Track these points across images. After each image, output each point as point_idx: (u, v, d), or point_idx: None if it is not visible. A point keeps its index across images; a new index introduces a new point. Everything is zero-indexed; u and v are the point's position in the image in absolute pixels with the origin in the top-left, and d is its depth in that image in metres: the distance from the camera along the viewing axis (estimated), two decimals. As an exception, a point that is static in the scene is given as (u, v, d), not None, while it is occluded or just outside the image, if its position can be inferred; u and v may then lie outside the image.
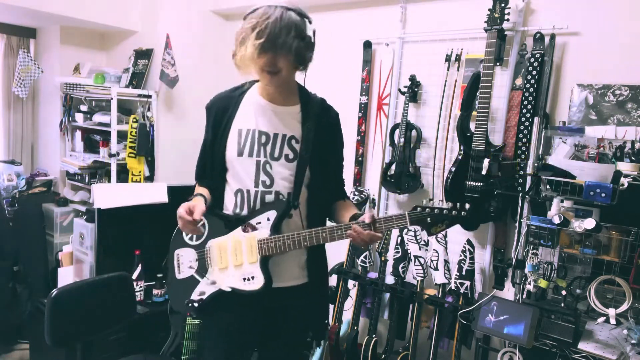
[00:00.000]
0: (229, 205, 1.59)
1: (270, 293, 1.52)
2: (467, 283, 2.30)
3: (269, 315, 1.60)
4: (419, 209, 1.41)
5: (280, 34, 1.36)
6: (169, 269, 1.68)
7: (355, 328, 2.60)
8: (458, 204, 1.39)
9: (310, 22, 1.46)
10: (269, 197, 1.53)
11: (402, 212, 1.43)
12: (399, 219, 1.42)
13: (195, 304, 1.54)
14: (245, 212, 1.56)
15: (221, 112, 1.59)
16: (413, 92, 2.61)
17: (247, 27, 1.37)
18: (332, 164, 1.67)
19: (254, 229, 1.52)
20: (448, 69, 2.55)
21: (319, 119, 1.59)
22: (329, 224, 1.51)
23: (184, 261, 1.62)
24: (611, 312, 1.84)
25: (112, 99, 3.28)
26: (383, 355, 2.52)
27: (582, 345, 1.88)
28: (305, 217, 1.58)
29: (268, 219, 1.51)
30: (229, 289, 1.52)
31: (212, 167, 1.61)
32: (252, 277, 1.50)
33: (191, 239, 1.62)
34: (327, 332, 2.61)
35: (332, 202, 1.68)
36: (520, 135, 2.28)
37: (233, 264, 1.54)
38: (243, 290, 1.51)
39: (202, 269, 1.59)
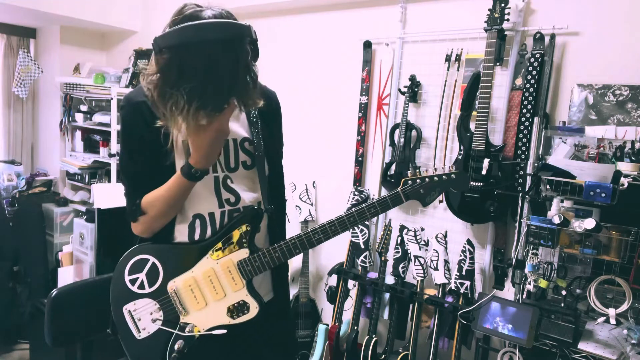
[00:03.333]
0: (181, 236, 1.31)
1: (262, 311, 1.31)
2: (467, 283, 2.30)
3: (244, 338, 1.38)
4: (409, 181, 1.31)
5: (237, 81, 1.11)
6: (119, 334, 1.35)
7: (355, 328, 2.60)
8: (445, 168, 1.32)
9: (252, 33, 1.15)
10: (237, 215, 1.31)
11: (395, 191, 1.30)
12: (393, 198, 1.29)
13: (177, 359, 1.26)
14: (208, 237, 1.30)
15: (148, 123, 1.20)
16: (413, 92, 2.61)
17: (184, 85, 1.05)
18: (277, 152, 1.46)
19: (226, 251, 1.28)
20: (448, 69, 2.55)
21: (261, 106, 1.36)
22: (321, 221, 1.30)
23: (142, 316, 1.30)
24: (611, 312, 1.84)
25: (112, 99, 3.29)
26: (383, 355, 2.52)
27: (582, 345, 1.88)
28: (267, 222, 1.38)
29: (241, 236, 1.28)
30: (223, 331, 1.25)
31: (148, 190, 1.28)
32: (243, 306, 1.27)
33: (141, 286, 1.29)
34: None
35: None
36: (520, 135, 2.28)
37: (213, 300, 1.28)
38: (235, 324, 1.28)
39: (172, 317, 1.29)
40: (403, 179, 1.32)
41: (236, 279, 1.27)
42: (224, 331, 1.25)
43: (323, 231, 1.28)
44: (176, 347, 1.26)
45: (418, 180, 1.31)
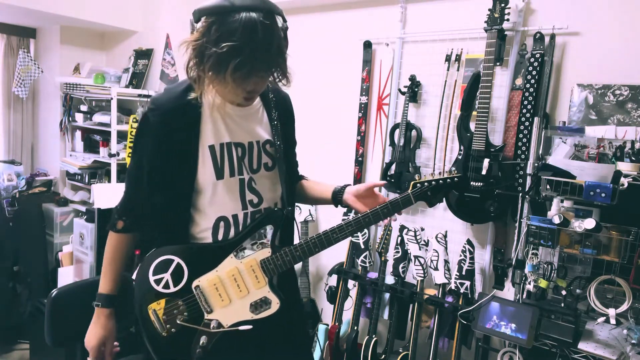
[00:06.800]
0: (205, 237, 1.34)
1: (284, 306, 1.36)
2: (467, 283, 2.30)
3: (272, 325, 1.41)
4: (418, 185, 1.39)
5: (271, 53, 1.13)
6: (144, 331, 1.37)
7: (355, 328, 2.60)
8: (448, 172, 1.42)
9: (285, 21, 1.21)
10: (259, 217, 1.36)
11: (405, 193, 1.38)
12: (404, 200, 1.36)
13: (201, 355, 1.30)
14: (231, 237, 1.34)
15: (178, 126, 1.26)
16: (413, 92, 2.61)
17: (225, 44, 1.09)
18: (294, 151, 1.55)
19: (250, 250, 1.33)
20: (448, 69, 2.55)
21: (279, 108, 1.43)
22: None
23: (167, 314, 1.34)
24: (611, 312, 1.84)
25: (112, 99, 3.29)
26: (383, 355, 2.52)
27: (582, 345, 1.88)
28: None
29: (264, 236, 1.34)
30: (249, 327, 1.30)
31: (169, 198, 1.31)
32: (265, 302, 1.32)
33: (166, 286, 1.33)
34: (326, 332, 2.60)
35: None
36: (520, 135, 2.28)
37: (237, 297, 1.33)
38: (257, 319, 1.32)
39: (196, 315, 1.33)
40: (412, 182, 1.41)
41: (259, 277, 1.32)
42: (249, 327, 1.30)
43: (340, 230, 1.32)
44: (200, 343, 1.30)
45: (426, 184, 1.39)
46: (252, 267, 1.32)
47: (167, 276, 1.33)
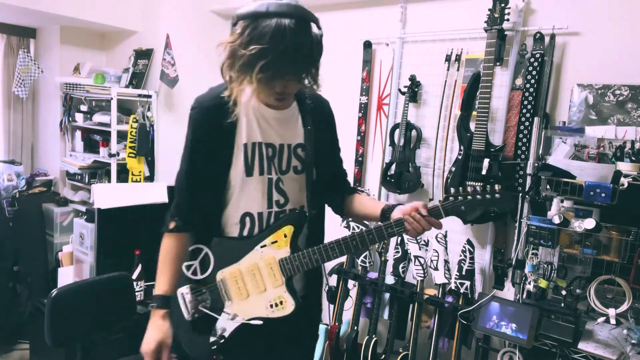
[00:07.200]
0: (232, 231, 1.41)
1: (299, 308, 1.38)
2: (467, 283, 2.30)
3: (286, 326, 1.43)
4: (451, 197, 1.31)
5: (297, 59, 1.19)
6: (172, 311, 1.44)
7: (355, 328, 2.60)
8: (488, 186, 1.29)
9: (320, 28, 1.26)
10: (283, 217, 1.40)
11: (435, 205, 1.31)
12: (433, 212, 1.30)
13: (219, 344, 1.36)
14: (255, 234, 1.40)
15: (215, 123, 1.35)
16: (413, 92, 2.61)
17: (254, 47, 1.15)
18: (334, 157, 1.57)
19: (271, 248, 1.37)
20: (448, 69, 2.55)
21: (316, 114, 1.46)
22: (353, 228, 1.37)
23: (192, 299, 1.41)
24: (611, 312, 1.84)
25: (112, 99, 3.28)
26: (383, 355, 2.52)
27: (582, 345, 1.88)
28: (307, 224, 1.44)
29: (285, 236, 1.37)
30: (260, 322, 1.35)
31: (208, 192, 1.39)
32: (280, 302, 1.35)
33: (194, 273, 1.41)
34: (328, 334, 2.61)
35: (342, 197, 1.57)
36: (520, 135, 2.28)
37: (255, 292, 1.37)
38: (272, 318, 1.36)
39: (217, 304, 1.40)
40: (445, 195, 1.33)
41: (277, 276, 1.36)
42: (260, 322, 1.35)
43: (360, 238, 1.33)
44: (218, 331, 1.37)
45: (460, 197, 1.30)
46: (270, 265, 1.36)
47: (196, 263, 1.41)
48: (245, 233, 1.40)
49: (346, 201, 1.58)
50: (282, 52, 1.15)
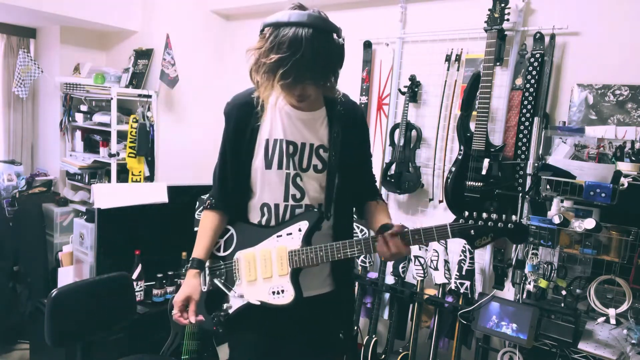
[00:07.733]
0: (254, 218, 1.53)
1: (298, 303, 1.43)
2: (467, 283, 2.30)
3: (295, 324, 1.50)
4: (461, 220, 1.29)
5: (314, 66, 1.25)
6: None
7: (355, 328, 2.60)
8: (504, 215, 1.27)
9: (340, 36, 1.32)
10: (299, 211, 1.48)
11: (443, 223, 1.31)
12: (440, 230, 1.31)
13: (222, 318, 1.46)
14: (272, 224, 1.50)
15: (244, 119, 1.48)
16: (413, 92, 2.61)
17: (273, 56, 1.24)
18: (362, 164, 1.60)
19: (285, 239, 1.45)
20: (448, 69, 2.55)
21: (345, 120, 1.51)
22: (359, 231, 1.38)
23: (211, 272, 1.54)
24: (611, 312, 1.84)
25: (112, 99, 3.28)
26: (383, 355, 2.52)
27: (582, 345, 1.88)
28: (332, 226, 1.52)
29: (299, 230, 1.45)
30: (258, 303, 1.44)
31: (235, 179, 1.52)
32: (282, 291, 1.42)
33: (218, 249, 1.56)
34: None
35: (363, 202, 1.61)
36: (520, 135, 2.28)
37: (262, 277, 1.46)
38: (272, 304, 1.43)
39: (230, 281, 1.51)
40: (456, 217, 1.31)
41: (284, 265, 1.44)
42: (258, 302, 1.44)
43: (366, 244, 1.39)
44: (224, 306, 1.48)
45: (471, 221, 1.29)
46: (280, 254, 1.45)
47: (222, 241, 1.57)
48: (263, 222, 1.50)
49: (365, 206, 1.62)
50: (298, 61, 1.23)
